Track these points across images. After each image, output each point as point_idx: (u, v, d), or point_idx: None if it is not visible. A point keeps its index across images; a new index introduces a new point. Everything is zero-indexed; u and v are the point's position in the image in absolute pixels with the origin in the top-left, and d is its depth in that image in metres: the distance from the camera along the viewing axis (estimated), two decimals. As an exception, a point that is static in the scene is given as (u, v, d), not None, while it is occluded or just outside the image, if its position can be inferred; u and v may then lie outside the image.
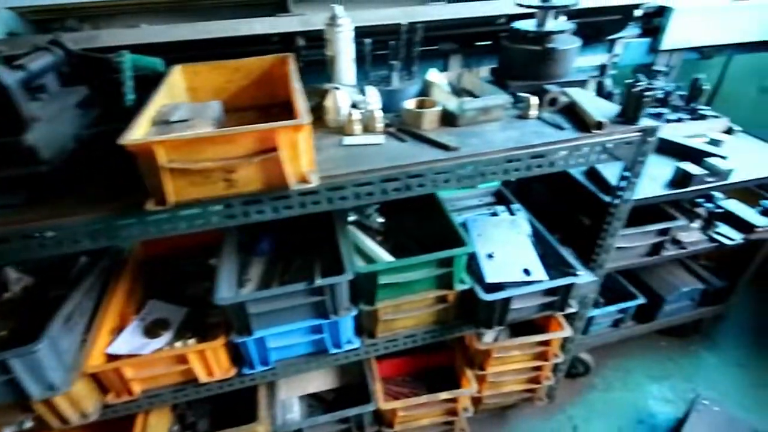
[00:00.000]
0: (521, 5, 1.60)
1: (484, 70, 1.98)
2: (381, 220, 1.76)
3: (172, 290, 1.67)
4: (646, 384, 2.35)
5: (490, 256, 1.60)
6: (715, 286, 2.37)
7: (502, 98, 1.41)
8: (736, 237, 2.01)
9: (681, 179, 1.75)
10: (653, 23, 2.43)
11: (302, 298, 1.35)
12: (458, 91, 1.61)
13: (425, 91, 1.60)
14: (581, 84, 1.62)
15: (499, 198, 2.11)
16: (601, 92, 2.17)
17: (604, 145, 1.34)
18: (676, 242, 1.99)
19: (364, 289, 1.44)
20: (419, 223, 1.75)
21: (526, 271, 1.56)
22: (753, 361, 2.46)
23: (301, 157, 1.05)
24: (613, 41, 2.43)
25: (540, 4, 1.56)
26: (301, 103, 1.09)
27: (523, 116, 1.45)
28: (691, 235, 2.02)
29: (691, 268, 2.45)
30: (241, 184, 1.05)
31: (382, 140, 1.33)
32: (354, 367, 1.90)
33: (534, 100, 1.43)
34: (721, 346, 2.55)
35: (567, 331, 1.78)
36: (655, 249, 1.94)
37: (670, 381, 2.36)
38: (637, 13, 2.13)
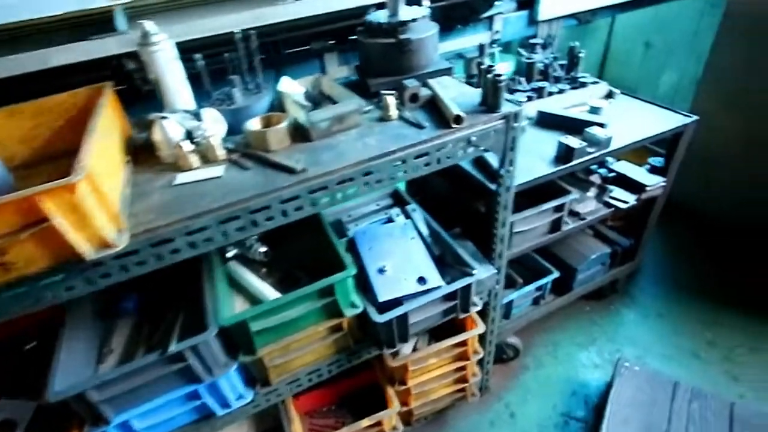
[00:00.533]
0: (368, -5, 1.47)
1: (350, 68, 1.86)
2: (264, 249, 1.59)
3: (26, 380, 1.42)
4: (574, 353, 2.38)
5: (381, 270, 1.48)
6: (623, 245, 2.42)
7: (355, 103, 1.27)
8: (630, 199, 2.03)
9: (565, 154, 1.72)
10: (528, -5, 2.41)
11: (162, 367, 1.16)
12: (317, 99, 1.46)
13: (280, 103, 1.44)
14: (446, 72, 1.53)
15: (397, 198, 2.00)
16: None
17: (468, 139, 1.25)
18: (575, 214, 1.99)
19: (240, 338, 1.27)
20: (306, 247, 1.59)
21: (421, 280, 1.46)
22: (669, 309, 2.55)
23: (94, 218, 0.86)
24: (491, 19, 2.38)
25: (386, -8, 1.44)
26: (84, 153, 0.88)
27: (384, 118, 1.33)
28: (588, 204, 2.02)
29: (600, 232, 2.49)
30: (21, 265, 0.84)
31: (222, 172, 1.15)
32: (271, 410, 1.74)
33: (391, 99, 1.30)
34: (638, 300, 2.63)
35: (480, 328, 1.71)
36: (555, 225, 1.92)
37: (596, 345, 2.40)
38: (502, -12, 2.07)
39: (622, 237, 2.46)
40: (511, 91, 2.18)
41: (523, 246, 1.89)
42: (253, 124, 1.26)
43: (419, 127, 1.26)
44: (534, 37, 2.52)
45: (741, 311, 2.47)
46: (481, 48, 2.19)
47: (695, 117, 1.98)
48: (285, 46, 2.06)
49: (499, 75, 1.24)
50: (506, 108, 1.29)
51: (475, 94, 1.41)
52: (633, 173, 2.11)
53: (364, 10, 1.92)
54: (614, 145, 1.78)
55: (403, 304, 1.41)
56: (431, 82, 1.45)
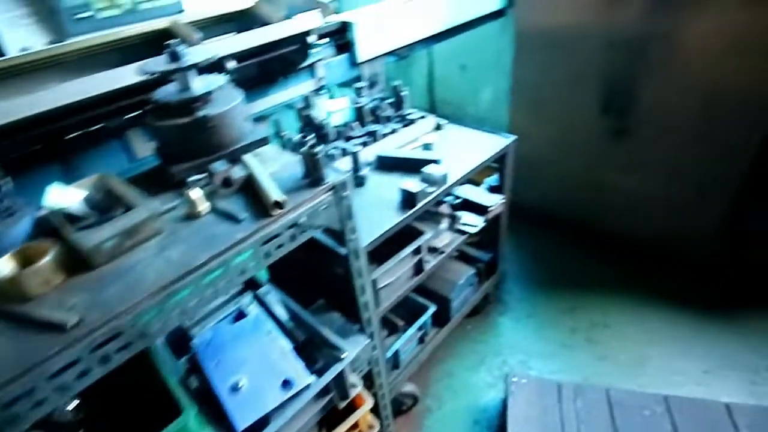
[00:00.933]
0: (148, 72, 1.24)
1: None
2: (74, 405, 1.21)
3: None
4: (468, 379, 2.38)
5: (235, 388, 1.23)
6: (485, 260, 2.54)
7: (147, 210, 1.03)
8: (478, 222, 2.11)
9: (408, 199, 1.70)
10: (346, 39, 2.40)
11: None
12: (104, 205, 1.16)
13: (50, 223, 1.11)
14: (263, 143, 1.36)
15: (248, 281, 1.76)
16: (312, 125, 2.00)
17: (296, 222, 1.10)
18: (434, 250, 1.99)
19: None
20: (135, 383, 1.26)
21: (287, 384, 1.25)
22: (535, 307, 2.73)
23: None
24: (313, 66, 2.32)
25: (169, 67, 1.23)
26: None
27: (193, 215, 1.11)
28: (443, 237, 2.04)
29: (462, 252, 2.57)
30: None
31: (-50, 353, 0.80)
32: None
33: (195, 194, 1.09)
34: (510, 306, 2.77)
35: (369, 403, 1.57)
36: (418, 267, 1.89)
37: (485, 364, 2.44)
38: (311, 39, 2.01)
39: (483, 251, 2.57)
40: (347, 138, 2.12)
41: (393, 297, 1.80)
42: (1, 267, 0.93)
43: (235, 220, 1.07)
44: (359, 79, 2.53)
45: (588, 292, 2.77)
46: (306, 99, 2.10)
47: (514, 137, 2.15)
48: (71, 131, 1.69)
49: (314, 146, 1.12)
50: (332, 178, 1.18)
51: (298, 165, 1.27)
52: (475, 196, 2.21)
53: (151, 83, 1.63)
54: (450, 180, 1.82)
55: (270, 422, 1.19)
56: (247, 157, 1.28)
